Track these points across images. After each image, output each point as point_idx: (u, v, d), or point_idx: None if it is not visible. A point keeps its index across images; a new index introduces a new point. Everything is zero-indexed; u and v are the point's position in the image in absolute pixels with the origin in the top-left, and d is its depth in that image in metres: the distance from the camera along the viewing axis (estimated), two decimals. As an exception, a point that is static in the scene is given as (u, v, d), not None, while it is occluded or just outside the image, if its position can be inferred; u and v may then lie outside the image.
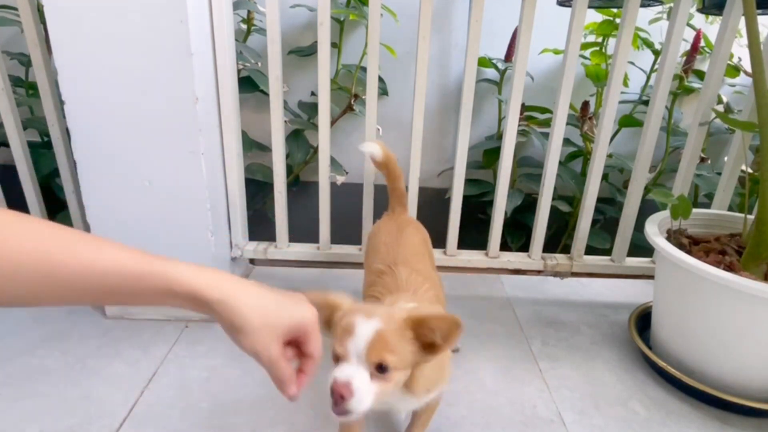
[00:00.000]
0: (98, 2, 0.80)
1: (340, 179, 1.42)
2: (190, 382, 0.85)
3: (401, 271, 0.72)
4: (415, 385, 0.55)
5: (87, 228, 1.04)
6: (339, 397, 0.48)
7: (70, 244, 0.37)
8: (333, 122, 1.45)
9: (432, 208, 1.11)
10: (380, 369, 0.49)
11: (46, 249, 0.36)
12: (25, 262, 0.35)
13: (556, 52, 1.46)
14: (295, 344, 0.47)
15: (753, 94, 0.83)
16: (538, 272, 1.23)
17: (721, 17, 1.01)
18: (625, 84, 1.48)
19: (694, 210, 0.97)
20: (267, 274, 1.23)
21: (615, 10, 1.38)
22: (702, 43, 1.40)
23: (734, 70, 1.45)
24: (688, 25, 1.31)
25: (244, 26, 1.42)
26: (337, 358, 0.52)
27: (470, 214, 0.96)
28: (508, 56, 1.49)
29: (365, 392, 0.49)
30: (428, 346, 0.52)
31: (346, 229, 1.21)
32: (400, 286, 0.69)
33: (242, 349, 0.43)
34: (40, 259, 0.36)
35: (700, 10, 1.22)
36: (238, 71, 1.17)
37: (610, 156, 1.34)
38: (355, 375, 0.49)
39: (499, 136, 1.56)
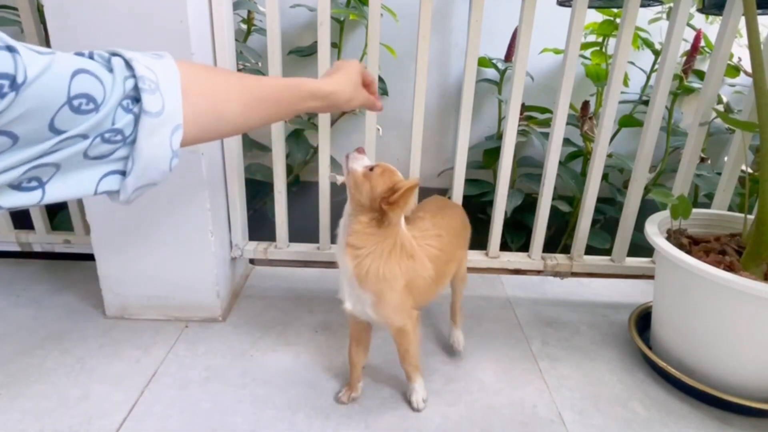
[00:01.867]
0: (98, 2, 0.80)
1: (340, 179, 1.41)
2: (190, 382, 0.85)
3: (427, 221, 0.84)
4: (350, 242, 0.73)
5: (87, 228, 1.04)
6: (359, 150, 0.78)
7: (253, 78, 0.56)
8: (333, 122, 1.46)
9: (432, 208, 1.11)
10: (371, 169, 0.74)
11: (247, 83, 0.53)
12: (244, 92, 0.52)
13: (556, 51, 1.46)
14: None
15: (753, 94, 0.83)
16: (538, 272, 1.23)
17: (721, 17, 1.01)
18: (625, 84, 1.48)
19: (694, 210, 0.97)
20: (267, 274, 1.23)
21: (615, 10, 1.38)
22: (702, 43, 1.40)
23: (734, 70, 1.45)
24: (688, 25, 1.31)
25: (244, 26, 1.42)
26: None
27: (470, 214, 0.96)
28: (508, 56, 1.49)
29: (363, 163, 0.75)
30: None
31: (346, 229, 1.21)
32: (420, 227, 0.82)
33: (353, 107, 0.70)
34: (248, 88, 0.53)
35: (700, 10, 1.22)
36: (238, 71, 1.17)
37: (610, 156, 1.34)
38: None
39: (499, 136, 1.56)
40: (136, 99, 0.39)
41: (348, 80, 0.67)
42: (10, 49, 0.31)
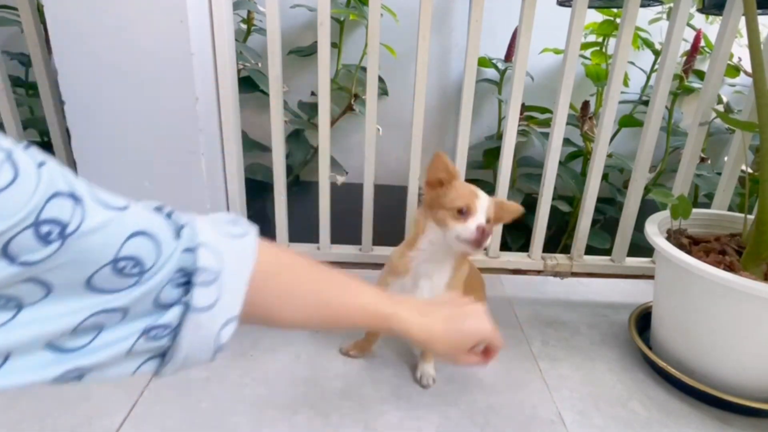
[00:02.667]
0: (98, 2, 0.80)
1: (340, 179, 1.42)
2: (190, 382, 0.85)
3: None
4: (462, 262, 0.81)
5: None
6: (483, 236, 0.70)
7: (340, 286, 0.50)
8: (333, 122, 1.46)
9: (432, 208, 1.11)
10: (488, 221, 0.73)
11: (323, 289, 0.48)
12: (310, 304, 0.47)
13: (556, 51, 1.46)
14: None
15: (753, 94, 0.83)
16: (538, 272, 1.23)
17: (721, 17, 1.01)
18: (625, 84, 1.48)
19: (694, 210, 0.97)
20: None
21: (615, 10, 1.38)
22: (702, 43, 1.40)
23: (734, 70, 1.45)
24: (688, 25, 1.31)
25: (244, 26, 1.42)
26: (460, 211, 0.72)
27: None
28: (508, 56, 1.49)
29: (491, 232, 0.72)
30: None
31: (346, 229, 1.21)
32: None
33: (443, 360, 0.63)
34: (319, 301, 0.48)
35: (700, 10, 1.23)
36: (238, 71, 1.17)
37: (610, 156, 1.34)
38: (484, 222, 0.71)
39: (499, 136, 1.56)
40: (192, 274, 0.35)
41: (454, 343, 0.57)
42: (74, 197, 0.30)
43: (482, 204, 0.72)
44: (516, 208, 0.79)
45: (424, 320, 0.55)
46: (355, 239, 1.19)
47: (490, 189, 1.48)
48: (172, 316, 0.35)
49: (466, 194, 0.73)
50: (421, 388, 0.85)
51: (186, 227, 0.36)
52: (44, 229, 0.28)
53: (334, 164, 1.44)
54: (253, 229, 0.41)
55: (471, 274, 0.95)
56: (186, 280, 0.35)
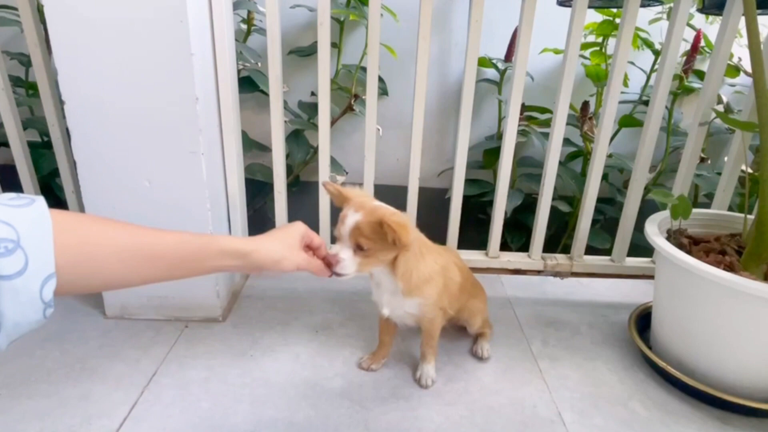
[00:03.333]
0: (98, 2, 0.80)
1: (340, 179, 1.42)
2: (190, 382, 0.85)
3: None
4: (396, 271, 0.74)
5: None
6: (328, 263, 0.70)
7: (148, 232, 0.51)
8: (333, 122, 1.46)
9: (432, 208, 1.11)
10: (360, 248, 0.69)
11: (135, 238, 0.49)
12: (128, 248, 0.48)
13: (556, 51, 1.46)
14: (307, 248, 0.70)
15: (753, 94, 0.83)
16: (538, 272, 1.23)
17: (721, 17, 1.01)
18: (625, 84, 1.48)
19: (694, 210, 0.97)
20: (267, 274, 1.23)
21: (615, 10, 1.38)
22: (702, 43, 1.40)
23: (734, 70, 1.45)
24: (688, 25, 1.31)
25: (244, 26, 1.42)
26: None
27: (470, 214, 0.96)
28: (508, 56, 1.49)
29: (348, 262, 0.70)
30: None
31: (346, 229, 1.21)
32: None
33: (285, 271, 0.64)
34: (134, 244, 0.49)
35: (700, 10, 1.23)
36: (238, 71, 1.17)
37: (610, 156, 1.34)
38: (341, 250, 0.70)
39: (499, 136, 1.56)
40: None
41: (279, 240, 0.63)
42: None
43: (344, 231, 0.70)
44: (391, 227, 0.66)
45: (249, 238, 0.62)
46: (355, 239, 1.19)
47: (490, 189, 1.49)
48: None
49: (339, 220, 0.71)
50: (421, 388, 0.86)
51: None
52: None
53: (334, 164, 1.44)
54: (39, 197, 0.42)
55: (473, 282, 0.95)
56: None
